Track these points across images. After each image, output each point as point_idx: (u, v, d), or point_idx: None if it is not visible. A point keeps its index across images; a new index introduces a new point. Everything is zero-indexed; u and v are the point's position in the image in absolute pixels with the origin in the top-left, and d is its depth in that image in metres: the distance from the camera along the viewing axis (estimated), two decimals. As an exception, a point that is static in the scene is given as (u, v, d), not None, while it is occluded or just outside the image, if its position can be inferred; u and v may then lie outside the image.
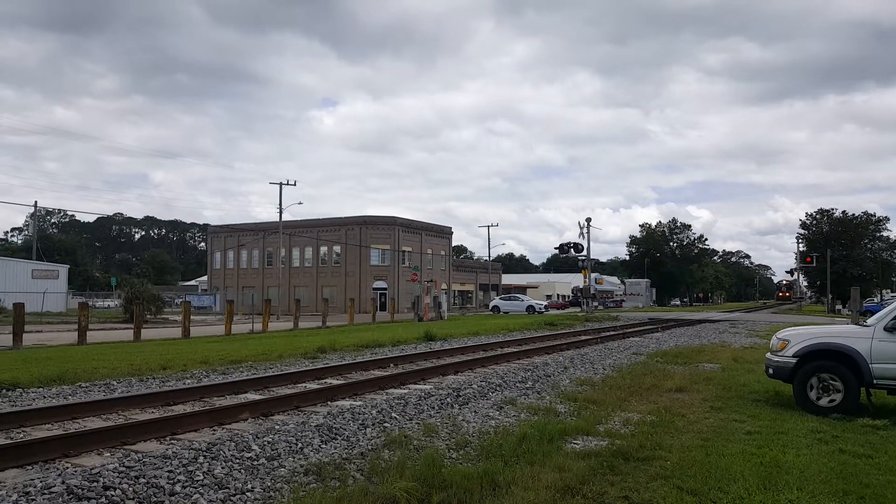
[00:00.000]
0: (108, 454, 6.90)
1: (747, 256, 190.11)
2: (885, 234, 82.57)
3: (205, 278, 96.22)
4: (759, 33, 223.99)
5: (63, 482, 5.31)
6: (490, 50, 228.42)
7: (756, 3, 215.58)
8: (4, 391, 10.91)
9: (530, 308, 57.15)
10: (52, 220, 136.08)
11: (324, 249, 78.50)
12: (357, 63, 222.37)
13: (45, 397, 10.62)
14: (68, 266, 67.37)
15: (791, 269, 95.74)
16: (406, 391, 11.14)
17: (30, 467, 6.34)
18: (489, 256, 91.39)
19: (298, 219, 78.88)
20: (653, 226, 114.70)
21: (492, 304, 63.36)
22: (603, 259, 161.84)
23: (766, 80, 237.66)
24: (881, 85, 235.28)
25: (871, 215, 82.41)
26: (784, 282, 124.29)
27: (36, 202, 76.93)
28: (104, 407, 9.26)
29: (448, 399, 10.27)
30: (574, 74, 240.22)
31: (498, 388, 11.63)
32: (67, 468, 6.20)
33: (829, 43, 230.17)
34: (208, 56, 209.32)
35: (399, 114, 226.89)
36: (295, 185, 57.51)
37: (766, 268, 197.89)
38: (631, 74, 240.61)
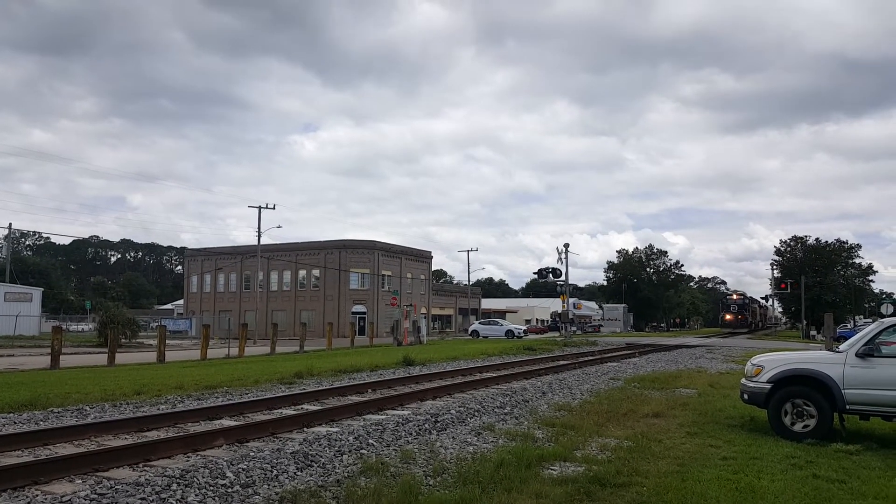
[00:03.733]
0: (80, 481, 6.78)
1: (723, 282, 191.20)
2: (857, 261, 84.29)
3: (181, 302, 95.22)
4: (733, 65, 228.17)
5: (32, 510, 5.21)
6: (471, 78, 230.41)
7: (730, 36, 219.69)
8: (-27, 417, 10.68)
9: (509, 333, 57.18)
10: (27, 243, 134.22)
11: (302, 273, 78.16)
12: (340, 89, 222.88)
13: (15, 423, 10.41)
14: (42, 289, 66.39)
15: (766, 296, 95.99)
16: (384, 417, 11.08)
17: (-2, 495, 6.22)
18: (469, 281, 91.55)
19: (277, 242, 78.60)
20: (630, 252, 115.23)
21: (471, 329, 63.26)
22: (581, 284, 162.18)
23: (740, 109, 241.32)
24: (850, 116, 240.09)
25: (844, 243, 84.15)
26: (733, 296, 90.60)
27: (10, 224, 75.82)
28: (76, 433, 9.09)
29: (426, 425, 10.23)
30: (553, 103, 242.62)
31: (476, 414, 11.61)
32: (37, 496, 6.07)
33: (801, 74, 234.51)
34: (190, 81, 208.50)
35: (381, 139, 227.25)
36: (274, 208, 57.40)
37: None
38: (608, 104, 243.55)
